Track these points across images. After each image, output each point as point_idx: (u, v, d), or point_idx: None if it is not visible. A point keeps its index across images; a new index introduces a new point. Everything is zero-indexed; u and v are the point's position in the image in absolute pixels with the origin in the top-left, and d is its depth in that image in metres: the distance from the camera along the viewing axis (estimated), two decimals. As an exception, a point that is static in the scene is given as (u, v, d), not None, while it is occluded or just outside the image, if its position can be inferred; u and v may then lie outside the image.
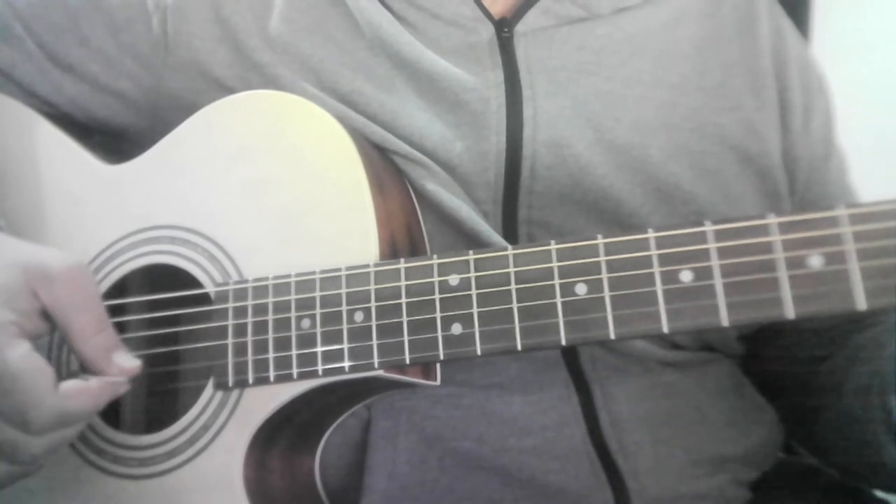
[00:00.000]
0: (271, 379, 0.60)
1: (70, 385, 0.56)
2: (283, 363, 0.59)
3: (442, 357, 0.56)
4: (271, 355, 0.60)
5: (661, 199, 0.69)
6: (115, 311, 0.64)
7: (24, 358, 0.54)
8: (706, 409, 0.71)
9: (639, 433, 0.68)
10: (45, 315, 0.57)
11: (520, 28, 0.71)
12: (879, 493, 0.75)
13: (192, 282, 0.64)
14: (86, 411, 0.57)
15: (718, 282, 0.51)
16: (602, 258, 0.54)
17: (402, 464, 0.65)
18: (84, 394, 0.56)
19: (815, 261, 0.49)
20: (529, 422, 0.66)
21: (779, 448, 0.78)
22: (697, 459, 0.70)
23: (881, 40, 1.33)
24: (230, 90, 0.69)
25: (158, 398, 0.69)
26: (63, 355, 0.65)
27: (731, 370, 0.76)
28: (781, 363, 0.78)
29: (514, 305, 0.55)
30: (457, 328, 0.56)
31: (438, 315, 0.56)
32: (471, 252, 0.57)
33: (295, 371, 0.59)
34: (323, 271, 0.60)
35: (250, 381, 0.60)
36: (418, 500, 0.65)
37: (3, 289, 0.56)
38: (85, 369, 0.58)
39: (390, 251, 0.61)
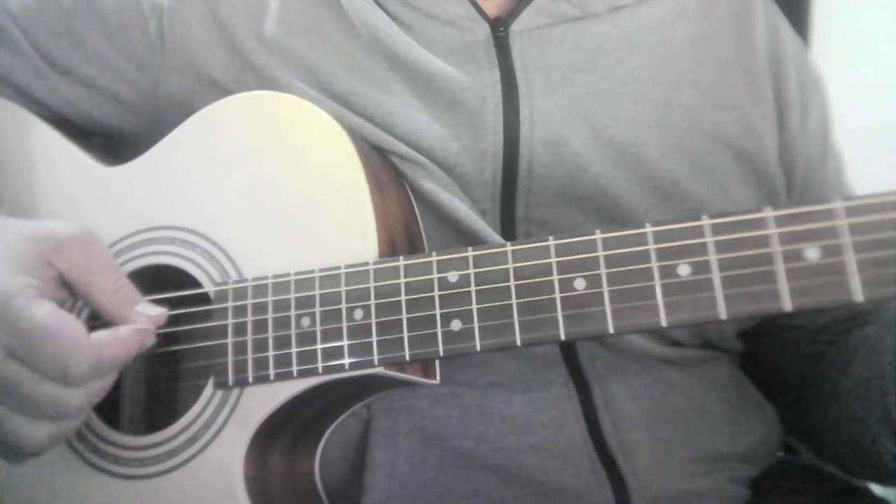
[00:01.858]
0: (271, 377, 0.60)
1: (102, 333, 0.57)
2: (282, 361, 0.60)
3: (442, 353, 0.56)
4: (271, 353, 0.60)
5: (658, 197, 0.69)
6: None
7: (52, 313, 0.55)
8: (705, 407, 0.71)
9: (638, 431, 0.68)
10: (62, 283, 0.59)
11: (515, 27, 0.71)
12: (879, 491, 0.75)
13: (192, 282, 0.64)
14: (120, 359, 0.58)
15: (716, 275, 0.51)
16: (600, 253, 0.54)
17: (402, 463, 0.65)
18: (117, 341, 0.57)
19: (812, 253, 0.50)
20: (529, 420, 0.66)
21: (778, 446, 0.78)
22: (697, 457, 0.70)
23: (881, 40, 1.33)
24: (228, 92, 0.69)
25: (158, 398, 0.69)
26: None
27: (730, 368, 0.76)
28: (780, 361, 0.79)
29: (514, 301, 0.55)
30: (456, 324, 0.56)
31: (438, 311, 0.56)
32: (470, 249, 0.57)
33: (295, 369, 0.59)
34: (322, 269, 0.60)
35: (250, 379, 0.60)
36: (418, 499, 0.65)
37: (19, 258, 0.57)
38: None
39: (389, 250, 0.61)
